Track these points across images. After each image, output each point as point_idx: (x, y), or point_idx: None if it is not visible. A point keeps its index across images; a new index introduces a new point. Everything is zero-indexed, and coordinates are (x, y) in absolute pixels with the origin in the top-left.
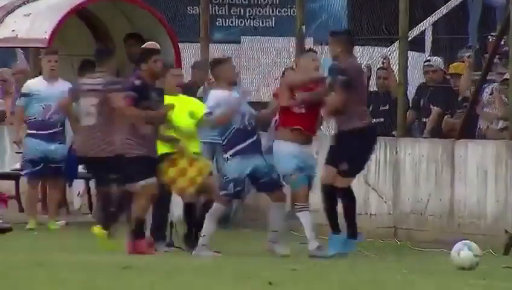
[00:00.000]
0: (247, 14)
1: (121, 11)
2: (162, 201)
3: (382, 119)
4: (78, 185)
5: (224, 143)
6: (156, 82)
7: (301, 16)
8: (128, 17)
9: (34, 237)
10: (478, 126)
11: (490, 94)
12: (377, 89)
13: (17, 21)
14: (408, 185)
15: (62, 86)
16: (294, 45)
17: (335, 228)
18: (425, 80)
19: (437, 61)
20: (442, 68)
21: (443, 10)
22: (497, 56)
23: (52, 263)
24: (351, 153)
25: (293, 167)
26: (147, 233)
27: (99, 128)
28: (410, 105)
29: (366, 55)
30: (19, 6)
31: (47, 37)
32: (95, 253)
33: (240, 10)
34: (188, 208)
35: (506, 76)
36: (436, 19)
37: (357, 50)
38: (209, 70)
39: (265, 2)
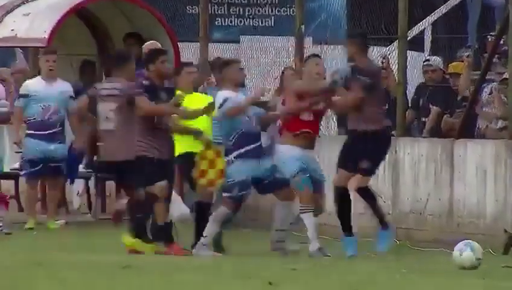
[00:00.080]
0: (247, 13)
1: (121, 10)
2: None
3: None
4: (78, 184)
5: (231, 144)
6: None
7: (300, 16)
8: (128, 16)
9: (33, 237)
10: (477, 126)
11: (489, 94)
12: None
13: (17, 20)
14: (407, 185)
15: (61, 86)
16: (294, 45)
17: (348, 230)
18: (424, 80)
19: (436, 60)
20: (442, 68)
21: (442, 10)
22: (496, 56)
23: (51, 262)
24: (368, 152)
25: (296, 168)
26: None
27: (120, 133)
28: (410, 104)
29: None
30: (18, 5)
31: (46, 36)
32: (94, 252)
33: (239, 10)
34: (203, 207)
35: (506, 75)
36: (435, 19)
37: None
38: (210, 70)
39: (265, 1)
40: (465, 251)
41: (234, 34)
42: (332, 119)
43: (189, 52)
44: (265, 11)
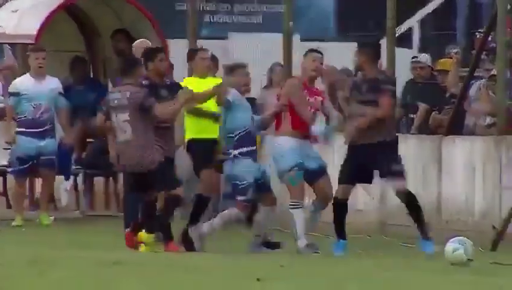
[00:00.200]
0: (235, 10)
1: (109, 7)
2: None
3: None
4: (66, 181)
5: (235, 139)
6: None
7: (289, 12)
8: (116, 13)
9: (22, 233)
10: (466, 122)
11: (478, 90)
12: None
13: (5, 17)
14: None
15: (50, 84)
16: (282, 41)
17: (343, 235)
18: (412, 77)
19: (424, 57)
20: (430, 65)
21: (430, 7)
22: (484, 52)
23: (42, 259)
24: (398, 157)
25: (293, 162)
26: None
27: (137, 142)
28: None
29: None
30: (7, 1)
31: (35, 33)
32: (84, 249)
33: (227, 6)
34: (203, 200)
35: (494, 72)
36: (423, 16)
37: (344, 47)
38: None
39: None
40: (458, 250)
41: (223, 31)
42: None
43: (177, 48)
44: (253, 8)
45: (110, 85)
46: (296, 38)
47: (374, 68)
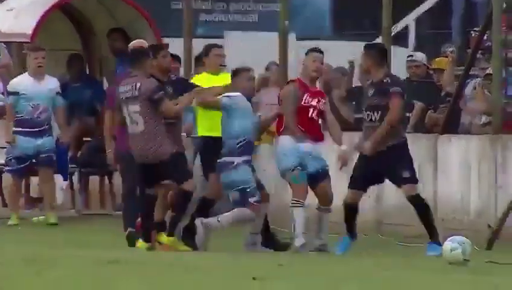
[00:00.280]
0: (231, 9)
1: (105, 6)
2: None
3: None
4: (61, 180)
5: (239, 146)
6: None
7: (284, 11)
8: (112, 12)
9: (18, 232)
10: (461, 121)
11: (473, 89)
12: (361, 84)
13: (0, 16)
14: None
15: (49, 84)
16: (278, 40)
17: (353, 233)
18: (408, 75)
19: (420, 56)
20: (426, 63)
21: (426, 5)
22: (479, 51)
23: (39, 258)
24: (407, 161)
25: (295, 163)
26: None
27: (149, 134)
28: None
29: (349, 50)
30: (2, 0)
31: (31, 31)
32: (80, 247)
33: (223, 5)
34: (207, 203)
35: (489, 71)
36: (419, 14)
37: (340, 45)
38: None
39: None
40: (455, 250)
41: (218, 30)
42: None
43: (173, 47)
44: (249, 7)
45: (106, 84)
46: (291, 37)
47: (381, 71)
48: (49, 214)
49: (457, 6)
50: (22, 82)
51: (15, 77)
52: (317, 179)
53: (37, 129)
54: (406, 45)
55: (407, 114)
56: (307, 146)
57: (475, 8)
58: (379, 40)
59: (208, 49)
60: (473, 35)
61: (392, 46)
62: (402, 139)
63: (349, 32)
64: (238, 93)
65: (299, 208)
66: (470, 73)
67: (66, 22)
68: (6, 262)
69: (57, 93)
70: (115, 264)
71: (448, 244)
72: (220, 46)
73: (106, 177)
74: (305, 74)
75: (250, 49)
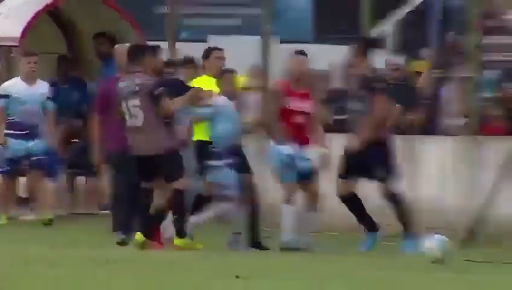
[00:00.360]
0: (214, 13)
1: (90, 10)
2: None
3: (347, 116)
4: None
5: (222, 149)
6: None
7: (267, 15)
8: (97, 16)
9: (8, 231)
10: (438, 123)
11: (450, 92)
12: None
13: None
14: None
15: (41, 88)
16: (261, 44)
17: (371, 228)
18: (386, 78)
19: (398, 59)
20: (404, 66)
21: (405, 9)
22: (456, 54)
23: (32, 258)
24: (387, 157)
25: (281, 162)
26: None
27: (148, 128)
28: None
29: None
30: None
31: (19, 35)
32: (71, 247)
33: (206, 9)
34: (203, 200)
35: (466, 74)
36: (398, 18)
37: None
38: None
39: (232, 1)
40: (434, 248)
41: (202, 34)
42: None
43: None
44: (232, 11)
45: (91, 87)
46: (274, 40)
47: (365, 62)
48: (45, 212)
49: (434, 11)
50: (15, 85)
51: (2, 80)
52: (305, 178)
53: (28, 132)
54: (384, 49)
55: None
56: (292, 148)
57: (452, 13)
58: None
59: (208, 51)
60: (450, 39)
61: (371, 50)
62: (385, 135)
63: (331, 36)
64: (222, 97)
65: (288, 205)
66: (446, 76)
67: (52, 25)
68: (5, 262)
69: (47, 98)
70: (112, 264)
71: (428, 242)
72: (221, 49)
73: (92, 177)
74: (289, 76)
75: (234, 53)
